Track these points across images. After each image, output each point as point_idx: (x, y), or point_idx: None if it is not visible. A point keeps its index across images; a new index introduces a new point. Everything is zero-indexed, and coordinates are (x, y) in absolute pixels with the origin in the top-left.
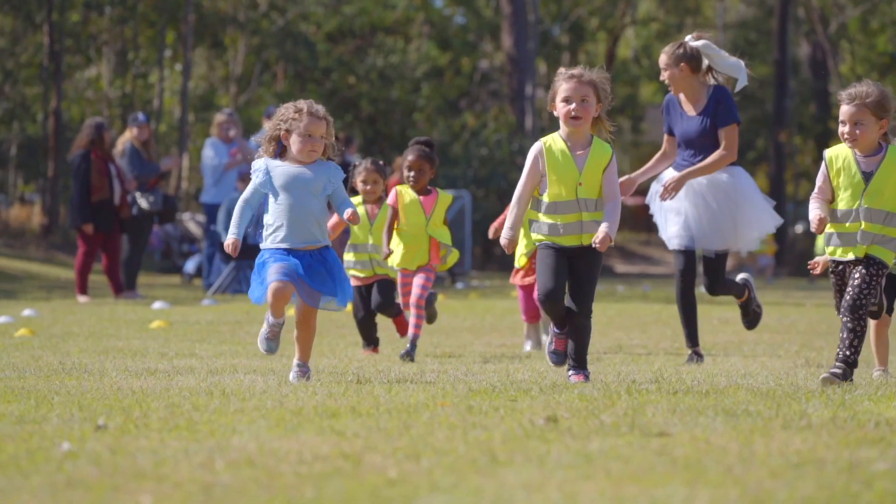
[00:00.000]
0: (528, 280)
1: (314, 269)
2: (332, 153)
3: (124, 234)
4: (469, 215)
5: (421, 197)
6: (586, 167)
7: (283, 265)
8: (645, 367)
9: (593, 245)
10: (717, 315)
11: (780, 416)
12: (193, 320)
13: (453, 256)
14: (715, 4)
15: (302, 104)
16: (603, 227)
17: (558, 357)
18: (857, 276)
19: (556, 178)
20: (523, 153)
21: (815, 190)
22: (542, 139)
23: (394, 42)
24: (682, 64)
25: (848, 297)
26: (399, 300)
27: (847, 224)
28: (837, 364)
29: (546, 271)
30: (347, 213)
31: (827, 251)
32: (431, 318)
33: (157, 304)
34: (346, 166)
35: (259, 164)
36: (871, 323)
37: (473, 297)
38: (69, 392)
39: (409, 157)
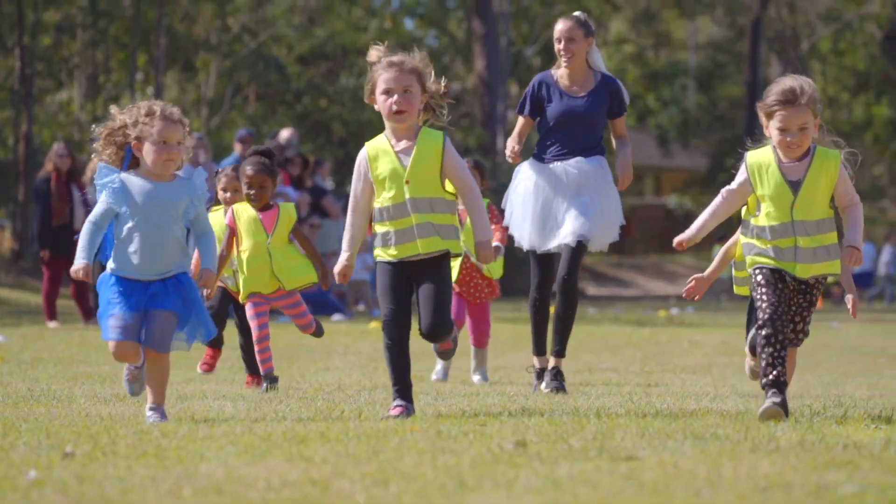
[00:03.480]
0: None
1: (165, 299)
2: (186, 160)
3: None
4: None
5: (261, 213)
6: (412, 162)
7: (119, 319)
8: (615, 391)
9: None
10: (687, 338)
11: (749, 440)
12: None
13: (311, 276)
14: (686, 25)
15: (155, 106)
16: (480, 234)
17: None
18: (804, 303)
19: (383, 179)
20: (495, 175)
21: (722, 195)
22: (368, 144)
23: (364, 64)
24: (591, 38)
25: (798, 328)
26: (255, 334)
27: (780, 240)
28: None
29: (383, 293)
30: (202, 276)
31: (748, 261)
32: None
33: None
34: (319, 189)
35: (110, 178)
36: None
37: None
38: (37, 419)
39: (248, 171)
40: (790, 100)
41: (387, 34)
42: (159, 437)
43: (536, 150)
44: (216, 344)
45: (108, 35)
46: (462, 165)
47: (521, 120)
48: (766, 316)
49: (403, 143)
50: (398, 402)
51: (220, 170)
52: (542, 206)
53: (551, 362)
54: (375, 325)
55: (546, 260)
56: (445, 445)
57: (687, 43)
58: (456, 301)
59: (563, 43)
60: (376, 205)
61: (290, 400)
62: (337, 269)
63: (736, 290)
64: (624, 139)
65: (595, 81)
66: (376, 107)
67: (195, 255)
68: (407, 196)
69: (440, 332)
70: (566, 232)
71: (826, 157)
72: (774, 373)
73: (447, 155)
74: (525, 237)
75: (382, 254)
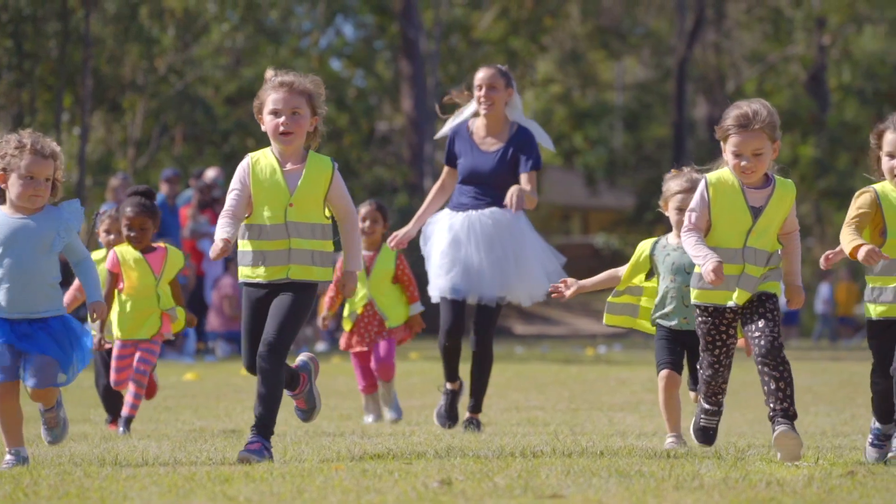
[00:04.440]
0: (361, 348)
1: (38, 342)
2: (60, 195)
3: None
4: None
5: (146, 255)
6: (300, 186)
7: None
8: (541, 429)
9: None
10: (615, 375)
11: (673, 477)
12: (87, 384)
13: (179, 322)
14: (613, 66)
15: (26, 139)
16: (349, 263)
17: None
18: (757, 317)
19: (263, 198)
20: None
21: (691, 222)
22: (252, 154)
23: None
24: (511, 89)
25: (763, 343)
26: (115, 376)
27: (727, 266)
28: (781, 421)
29: (249, 325)
30: (93, 309)
31: (692, 295)
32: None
33: None
34: None
35: None
36: (660, 384)
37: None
38: None
39: (128, 212)
40: (743, 124)
41: (314, 74)
42: (82, 478)
43: (453, 199)
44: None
45: (34, 76)
46: (346, 193)
47: (446, 169)
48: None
49: (290, 165)
50: (254, 438)
51: (101, 211)
52: (455, 254)
53: (466, 415)
54: None
55: (457, 307)
56: (370, 484)
57: (614, 84)
58: (364, 370)
59: (483, 90)
60: (248, 221)
61: (215, 439)
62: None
63: (606, 319)
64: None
65: (509, 134)
66: (263, 126)
67: (75, 283)
68: (288, 219)
69: (271, 352)
70: (483, 290)
71: (786, 186)
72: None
73: (335, 182)
74: (437, 284)
75: (250, 274)
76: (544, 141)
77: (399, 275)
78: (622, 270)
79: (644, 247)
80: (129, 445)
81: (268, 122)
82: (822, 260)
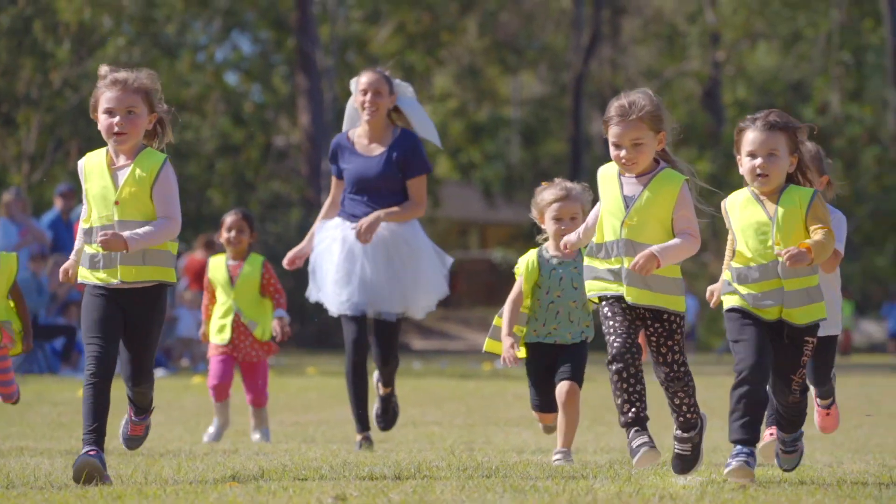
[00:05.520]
0: (223, 350)
1: None
2: None
3: None
4: None
5: None
6: (124, 183)
7: None
8: (438, 444)
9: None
10: (512, 391)
11: (567, 492)
12: None
13: (17, 346)
14: (510, 81)
15: None
16: (128, 234)
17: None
18: (660, 333)
19: (94, 199)
20: None
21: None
22: (87, 155)
23: (188, 118)
24: (394, 95)
25: (663, 365)
26: None
27: (611, 260)
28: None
29: (90, 325)
30: None
31: (587, 286)
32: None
33: None
34: None
35: None
36: (561, 391)
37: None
38: None
39: None
40: (622, 114)
41: (210, 89)
42: None
43: (345, 208)
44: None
45: None
46: (171, 194)
47: (334, 182)
48: (614, 350)
49: (121, 161)
50: (88, 446)
51: None
52: (350, 267)
53: (380, 390)
54: (199, 380)
55: (359, 322)
56: (264, 500)
57: (511, 99)
58: (220, 367)
59: (368, 95)
60: (84, 223)
61: (108, 456)
62: (63, 266)
63: (487, 345)
64: (412, 201)
65: (393, 138)
66: (99, 125)
67: None
68: (117, 218)
69: (136, 382)
70: (381, 306)
71: (669, 178)
72: (633, 410)
73: (161, 178)
74: (332, 300)
75: (90, 276)
76: (431, 136)
77: (265, 284)
78: (515, 293)
79: (529, 256)
80: (20, 463)
81: (102, 122)
82: (707, 297)
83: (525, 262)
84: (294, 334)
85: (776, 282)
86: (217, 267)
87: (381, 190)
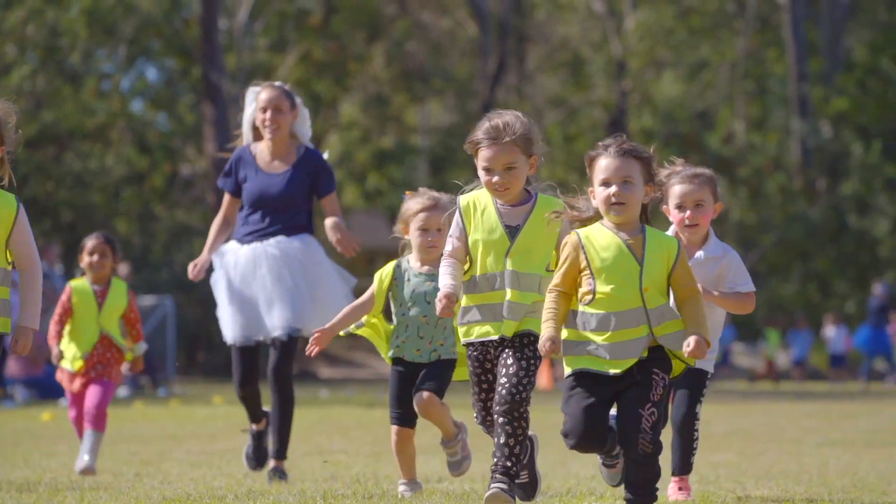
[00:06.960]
0: (80, 386)
1: None
2: None
3: None
4: (172, 321)
5: None
6: None
7: None
8: (344, 472)
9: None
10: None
11: None
12: None
13: None
14: (418, 110)
15: None
16: (24, 318)
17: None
18: (510, 362)
19: None
20: None
21: (446, 250)
22: None
23: (92, 147)
24: (296, 110)
25: (503, 392)
26: None
27: (488, 293)
28: (498, 478)
29: None
30: None
31: (459, 332)
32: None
33: None
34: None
35: None
36: (392, 438)
37: (175, 404)
38: None
39: None
40: (493, 136)
41: (116, 117)
42: None
43: (238, 230)
44: None
45: None
46: (31, 239)
47: (226, 197)
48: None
49: None
50: None
51: None
52: (241, 293)
53: (272, 464)
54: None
55: (248, 353)
56: None
57: (419, 127)
58: (79, 398)
59: (269, 113)
60: None
61: (9, 487)
62: None
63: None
64: (336, 219)
65: (297, 156)
66: None
67: None
68: None
69: None
70: (274, 324)
71: (549, 204)
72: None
73: (19, 223)
74: (225, 329)
75: None
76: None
77: (127, 313)
78: (364, 299)
79: (386, 269)
80: None
81: None
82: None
83: (379, 273)
84: (200, 364)
85: (642, 328)
86: (82, 291)
87: (281, 208)
